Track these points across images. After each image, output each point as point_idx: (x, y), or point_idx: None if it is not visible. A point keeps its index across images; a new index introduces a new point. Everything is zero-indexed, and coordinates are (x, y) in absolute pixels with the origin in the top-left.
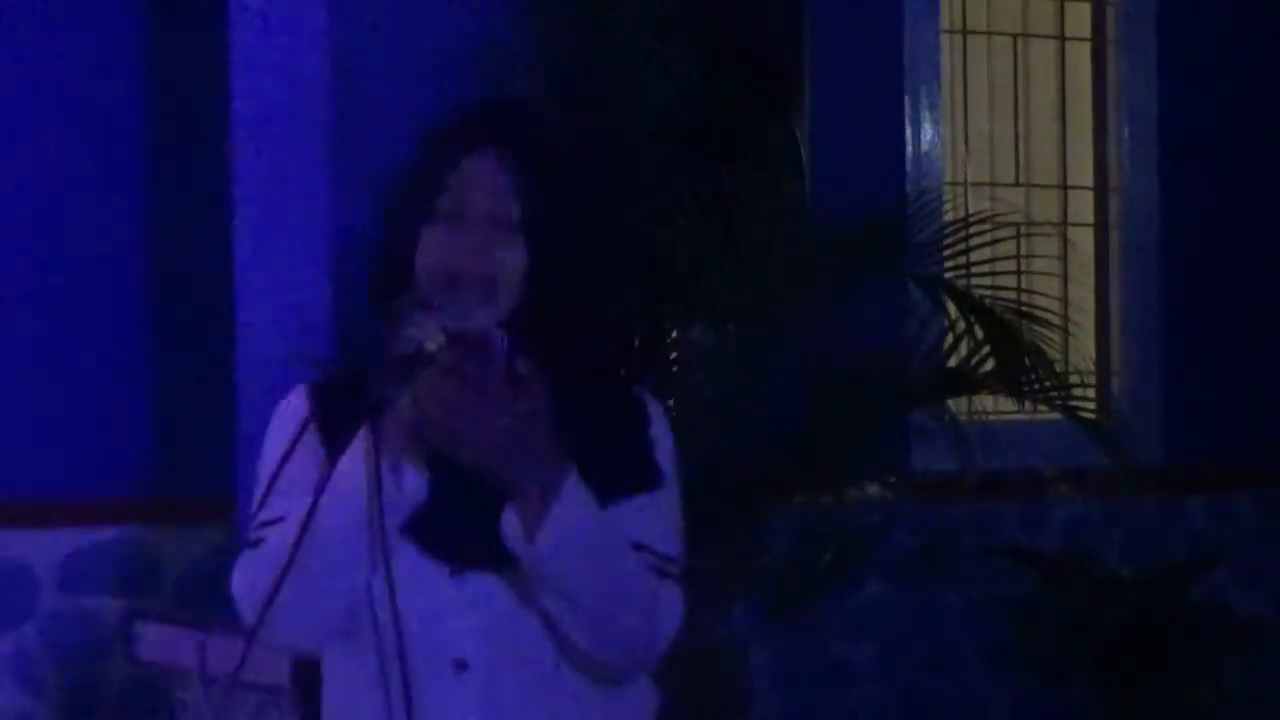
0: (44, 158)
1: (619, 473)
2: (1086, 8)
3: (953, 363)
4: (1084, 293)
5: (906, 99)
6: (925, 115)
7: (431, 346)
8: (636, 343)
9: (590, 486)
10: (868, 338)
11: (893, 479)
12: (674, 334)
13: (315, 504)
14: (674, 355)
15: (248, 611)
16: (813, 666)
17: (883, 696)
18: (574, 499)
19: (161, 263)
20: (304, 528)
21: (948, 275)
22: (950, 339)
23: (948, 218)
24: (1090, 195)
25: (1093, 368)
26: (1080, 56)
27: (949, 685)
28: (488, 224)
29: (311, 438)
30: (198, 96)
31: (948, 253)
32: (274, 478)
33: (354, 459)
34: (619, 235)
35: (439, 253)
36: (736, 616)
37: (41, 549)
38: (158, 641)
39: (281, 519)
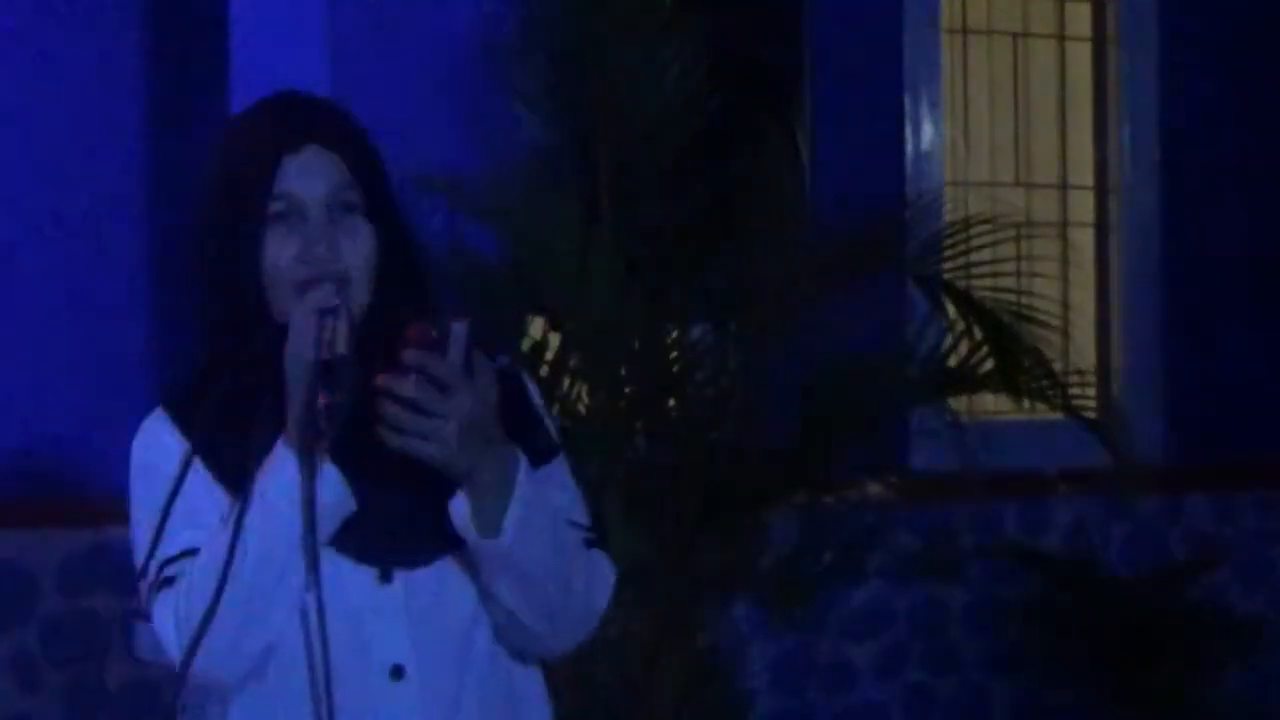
0: (44, 159)
1: (524, 447)
2: (1086, 8)
3: (953, 363)
4: (1084, 293)
5: (906, 99)
6: (925, 115)
7: (342, 349)
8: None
9: None
10: (868, 338)
11: (893, 479)
12: (674, 334)
13: (237, 531)
14: (674, 355)
15: (178, 654)
16: (813, 666)
17: (883, 696)
18: (527, 484)
19: (161, 263)
20: (230, 557)
21: (948, 275)
22: (950, 339)
23: (948, 218)
24: (1090, 195)
25: (1093, 368)
26: (1080, 56)
27: (949, 685)
28: (325, 219)
29: (198, 474)
30: (198, 97)
31: (948, 253)
32: (165, 515)
33: (280, 471)
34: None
35: (282, 258)
36: (736, 616)
37: (41, 549)
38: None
39: (195, 550)
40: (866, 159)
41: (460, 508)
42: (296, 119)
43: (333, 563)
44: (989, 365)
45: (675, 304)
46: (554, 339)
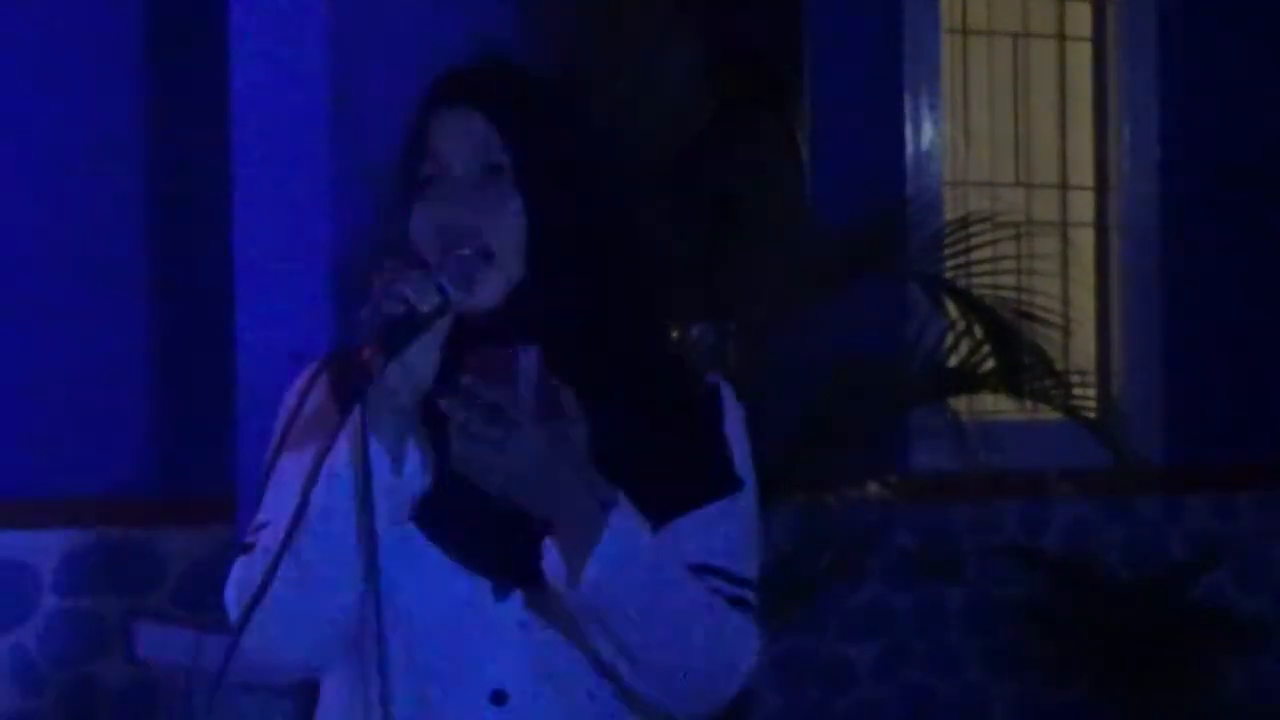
0: (41, 155)
1: (683, 481)
2: (1086, 8)
3: (953, 363)
4: (1084, 293)
5: (906, 99)
6: (925, 115)
7: (425, 308)
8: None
9: (646, 502)
10: (868, 338)
11: (893, 479)
12: (674, 334)
13: (305, 498)
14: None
15: (240, 630)
16: (813, 666)
17: (883, 696)
18: (623, 530)
19: (161, 262)
20: (297, 517)
21: (948, 275)
22: (950, 339)
23: (948, 218)
24: (1090, 195)
25: (1093, 368)
26: (1080, 56)
27: (949, 685)
28: (473, 179)
29: (322, 408)
30: (198, 97)
31: (948, 253)
32: (270, 470)
33: (344, 443)
34: (634, 194)
35: (428, 219)
36: None
37: (41, 549)
38: (157, 641)
39: (269, 522)
40: (866, 159)
41: (550, 549)
42: (453, 79)
43: (444, 569)
44: (989, 365)
45: (675, 304)
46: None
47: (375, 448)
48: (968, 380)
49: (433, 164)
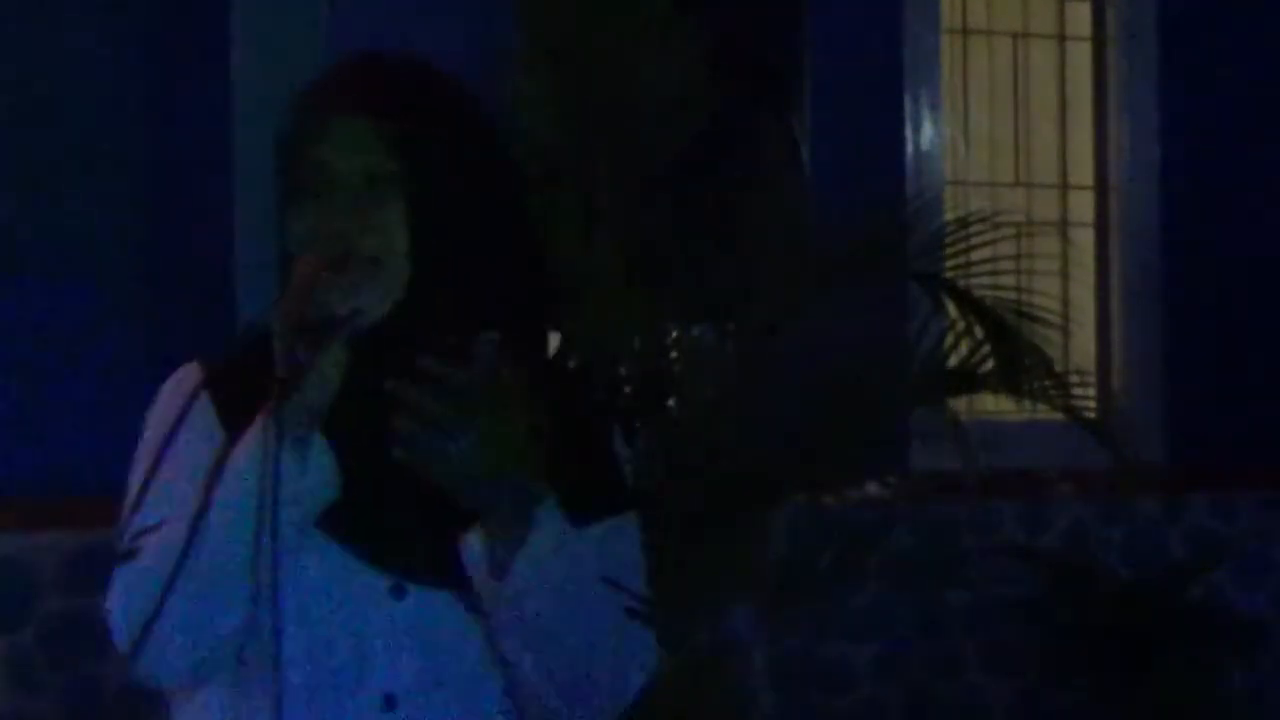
0: (43, 149)
1: (590, 491)
2: (1086, 8)
3: (953, 363)
4: (1084, 293)
5: (906, 99)
6: (925, 115)
7: (343, 312)
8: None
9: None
10: (868, 338)
11: (893, 479)
12: (674, 334)
13: (206, 502)
14: (674, 355)
15: (124, 640)
16: (813, 667)
17: (883, 696)
18: (550, 528)
19: (162, 262)
20: (193, 531)
21: (948, 275)
22: (950, 339)
23: (948, 218)
24: (1090, 195)
25: (1093, 368)
26: (1080, 56)
27: (949, 685)
28: (357, 188)
29: (203, 415)
30: (199, 97)
31: (948, 253)
32: (152, 470)
33: (248, 447)
34: (523, 204)
35: (309, 229)
36: (736, 616)
37: (41, 549)
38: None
39: (160, 524)
40: (866, 159)
41: (473, 542)
42: (333, 81)
43: (341, 564)
44: (989, 365)
45: (675, 304)
46: (554, 339)
47: (283, 454)
48: (968, 380)
49: (314, 170)
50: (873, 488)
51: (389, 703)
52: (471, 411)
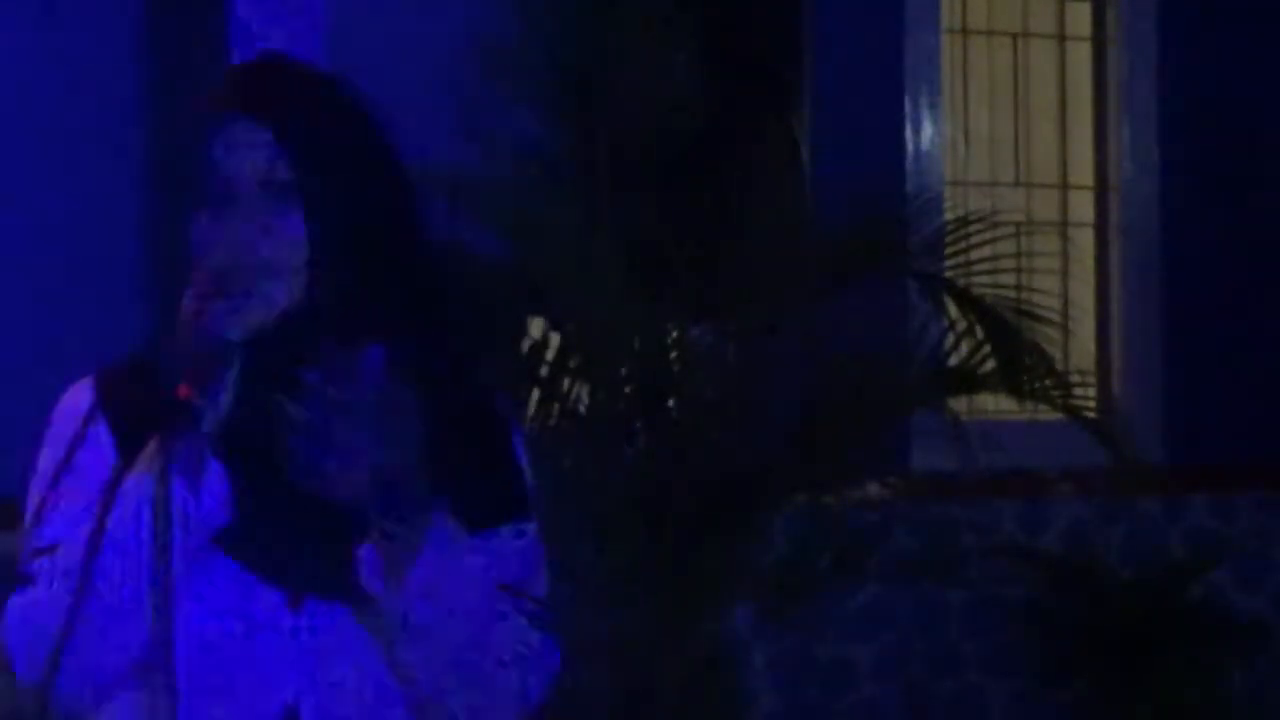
0: (41, 150)
1: (488, 498)
2: (1086, 8)
3: (953, 363)
4: (1084, 292)
5: (906, 99)
6: (925, 115)
7: (233, 337)
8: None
9: (459, 514)
10: (868, 338)
11: (893, 479)
12: (674, 334)
13: (100, 527)
14: (674, 355)
15: (24, 667)
16: (813, 666)
17: (883, 696)
18: (445, 538)
19: (162, 262)
20: (88, 555)
21: (948, 275)
22: (950, 339)
23: (948, 218)
24: (1090, 195)
25: (1093, 367)
26: (1080, 56)
27: (949, 685)
28: (255, 195)
29: (99, 435)
30: (200, 97)
31: (948, 252)
32: (50, 489)
33: (140, 475)
34: (418, 210)
35: (211, 237)
36: (736, 616)
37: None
38: None
39: (56, 544)
40: (866, 159)
41: (369, 555)
42: (230, 88)
43: (236, 579)
44: (989, 365)
45: (675, 304)
46: (554, 339)
47: (176, 480)
48: (968, 380)
49: (216, 178)
50: (873, 488)
51: (289, 715)
52: (356, 426)
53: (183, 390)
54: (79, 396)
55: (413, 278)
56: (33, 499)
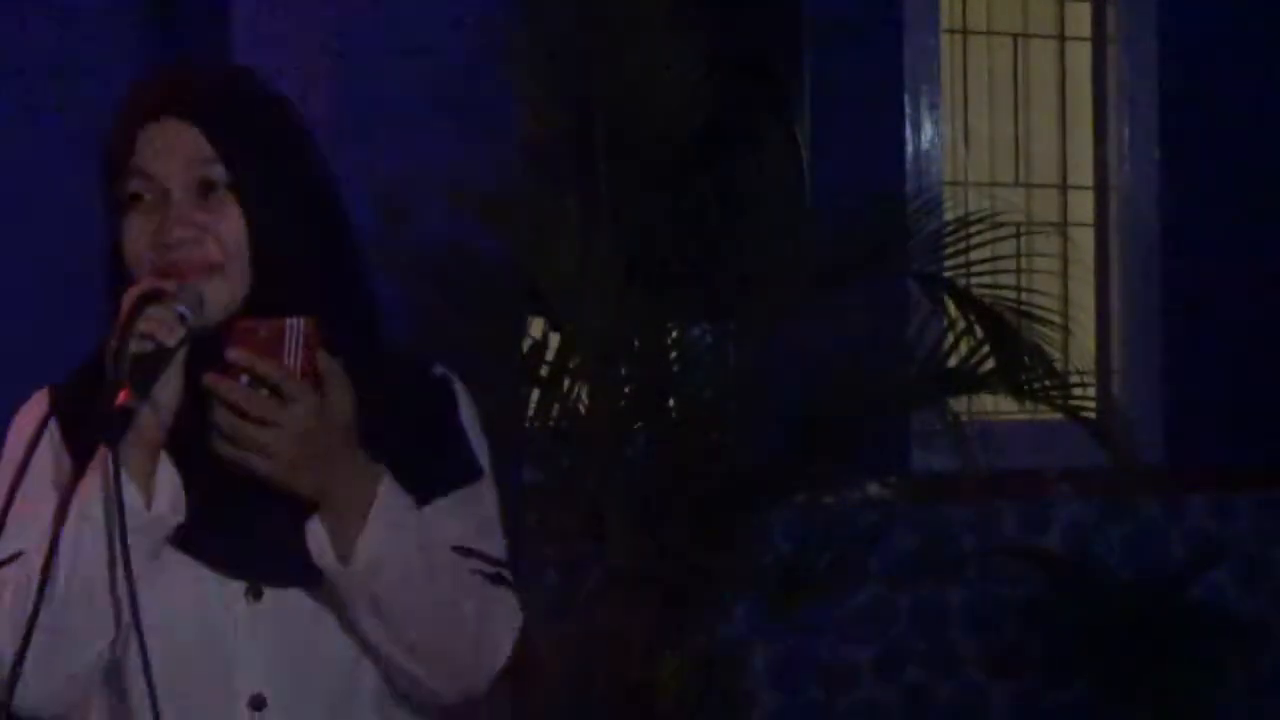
0: (37, 152)
1: (430, 467)
2: (1086, 8)
3: (953, 363)
4: (1084, 293)
5: (906, 99)
6: (925, 115)
7: (171, 342)
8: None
9: (404, 486)
10: (868, 338)
11: (893, 479)
12: (674, 334)
13: (56, 535)
14: (674, 355)
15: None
16: (813, 666)
17: (883, 696)
18: (391, 505)
19: None
20: (46, 563)
21: (948, 275)
22: (950, 339)
23: (948, 218)
24: (1090, 195)
25: (1093, 368)
26: (1080, 56)
27: (949, 685)
28: (189, 195)
29: (54, 443)
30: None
31: (948, 252)
32: (9, 501)
33: (92, 480)
34: (338, 189)
35: (144, 239)
36: (736, 616)
37: None
38: None
39: (20, 554)
40: (866, 159)
41: (316, 529)
42: (154, 90)
43: (193, 574)
44: (989, 365)
45: (675, 304)
46: (554, 339)
47: (127, 485)
48: (968, 380)
49: (142, 181)
50: (873, 488)
51: (257, 702)
52: (285, 399)
53: (122, 396)
54: (34, 408)
55: (340, 257)
56: None
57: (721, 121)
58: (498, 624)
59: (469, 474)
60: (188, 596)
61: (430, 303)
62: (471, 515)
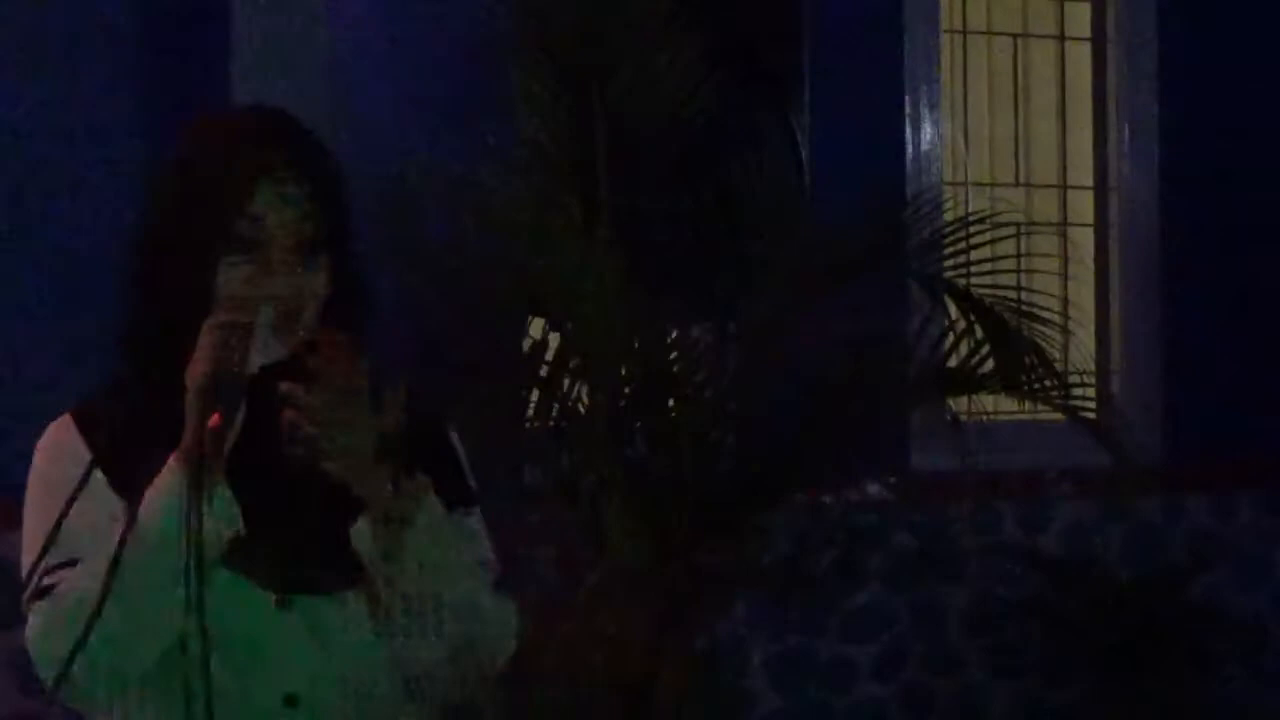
0: (36, 152)
1: (444, 488)
2: (1086, 8)
3: (953, 362)
4: (1084, 293)
5: (906, 99)
6: (925, 115)
7: (253, 369)
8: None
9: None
10: (868, 338)
11: (893, 479)
12: (674, 334)
13: (120, 547)
14: (674, 355)
15: (49, 669)
16: (813, 666)
17: (883, 696)
18: (434, 512)
19: None
20: (111, 573)
21: (948, 275)
22: (950, 339)
23: (948, 218)
24: (1090, 195)
25: (1093, 368)
26: (1080, 56)
27: (949, 685)
28: (287, 247)
29: (98, 485)
30: (196, 91)
31: (948, 252)
32: (57, 527)
33: (168, 490)
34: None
35: (246, 280)
36: (736, 616)
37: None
38: None
39: (75, 562)
40: (866, 159)
41: (363, 528)
42: (276, 139)
43: (231, 585)
44: (989, 365)
45: (675, 304)
46: (554, 339)
47: (212, 502)
48: (968, 380)
49: (254, 226)
50: (873, 488)
51: (290, 702)
52: (356, 405)
53: (215, 419)
54: (62, 429)
55: (367, 297)
56: (38, 531)
57: (721, 121)
58: (504, 626)
59: (467, 500)
60: (223, 605)
61: (430, 303)
62: (478, 530)
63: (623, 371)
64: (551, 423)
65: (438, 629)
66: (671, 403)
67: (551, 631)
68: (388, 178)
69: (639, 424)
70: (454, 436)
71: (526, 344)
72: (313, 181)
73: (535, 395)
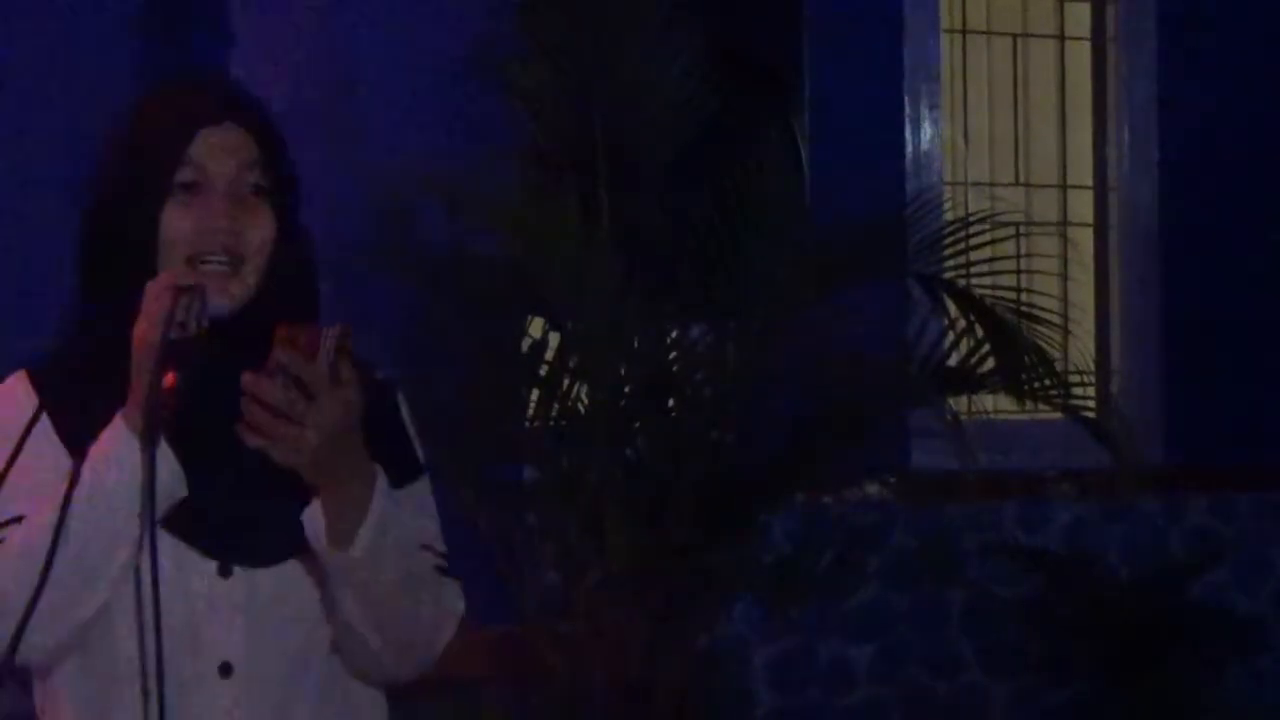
0: (35, 152)
1: (384, 463)
2: (1086, 7)
3: (953, 362)
4: (1084, 293)
5: (906, 99)
6: (925, 115)
7: (196, 329)
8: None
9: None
10: (868, 338)
11: (893, 479)
12: (674, 334)
13: (67, 500)
14: (674, 355)
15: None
16: (813, 666)
17: (883, 696)
18: (385, 499)
19: None
20: (59, 528)
21: (948, 275)
22: (950, 338)
23: (948, 218)
24: (1090, 195)
25: (1093, 368)
26: (1080, 56)
27: (949, 685)
28: (231, 195)
29: (45, 434)
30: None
31: (948, 252)
32: (7, 467)
33: (115, 448)
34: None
35: (188, 223)
36: (736, 616)
37: None
38: None
39: (22, 518)
40: (866, 159)
41: (314, 517)
42: (216, 94)
43: (173, 551)
44: (989, 365)
45: (675, 304)
46: (554, 339)
47: (162, 461)
48: (968, 380)
49: (194, 171)
50: (873, 488)
51: (225, 670)
52: (316, 400)
53: (169, 379)
54: (15, 385)
55: (311, 265)
56: None
57: (721, 121)
58: (447, 612)
59: (414, 472)
60: (166, 568)
61: (430, 303)
62: (419, 510)
63: (623, 371)
64: (551, 422)
65: (379, 612)
66: (671, 403)
67: (551, 631)
68: (388, 179)
69: (639, 424)
70: (402, 405)
71: (526, 344)
72: (252, 132)
73: (535, 395)
